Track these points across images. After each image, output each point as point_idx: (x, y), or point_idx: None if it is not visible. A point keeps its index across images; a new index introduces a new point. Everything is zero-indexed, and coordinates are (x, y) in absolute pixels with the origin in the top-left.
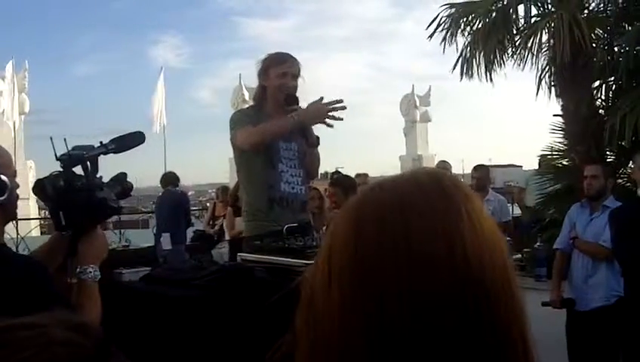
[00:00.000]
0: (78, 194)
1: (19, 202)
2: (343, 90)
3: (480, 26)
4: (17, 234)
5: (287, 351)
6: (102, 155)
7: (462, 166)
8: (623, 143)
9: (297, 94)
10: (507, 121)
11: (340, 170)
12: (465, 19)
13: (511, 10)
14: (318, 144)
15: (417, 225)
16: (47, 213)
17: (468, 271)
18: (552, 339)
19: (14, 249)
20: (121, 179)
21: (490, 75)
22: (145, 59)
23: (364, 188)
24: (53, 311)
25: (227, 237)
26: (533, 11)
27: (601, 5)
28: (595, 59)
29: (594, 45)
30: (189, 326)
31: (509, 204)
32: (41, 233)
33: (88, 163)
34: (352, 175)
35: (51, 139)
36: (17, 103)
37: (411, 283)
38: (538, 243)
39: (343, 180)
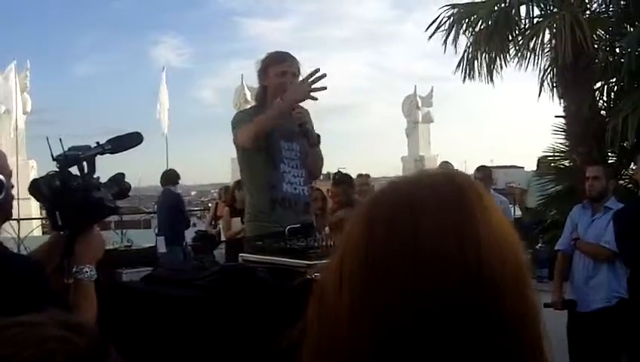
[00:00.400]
0: (74, 194)
1: (21, 202)
2: (344, 91)
3: (482, 26)
4: (19, 234)
5: (296, 340)
6: (99, 156)
7: (464, 167)
8: (625, 144)
9: None
10: (509, 122)
11: (341, 170)
12: (467, 19)
13: (513, 11)
14: (319, 143)
15: (427, 225)
16: None
17: (479, 272)
18: (553, 340)
19: (16, 249)
20: (118, 179)
21: (492, 75)
22: (146, 60)
23: (380, 187)
24: (50, 311)
25: (223, 237)
26: (536, 12)
27: (603, 6)
28: (597, 60)
29: (596, 46)
30: (191, 326)
31: (510, 205)
32: (43, 233)
33: (85, 163)
34: (354, 176)
35: (47, 139)
36: (21, 103)
37: (419, 283)
38: (540, 245)
39: (345, 178)
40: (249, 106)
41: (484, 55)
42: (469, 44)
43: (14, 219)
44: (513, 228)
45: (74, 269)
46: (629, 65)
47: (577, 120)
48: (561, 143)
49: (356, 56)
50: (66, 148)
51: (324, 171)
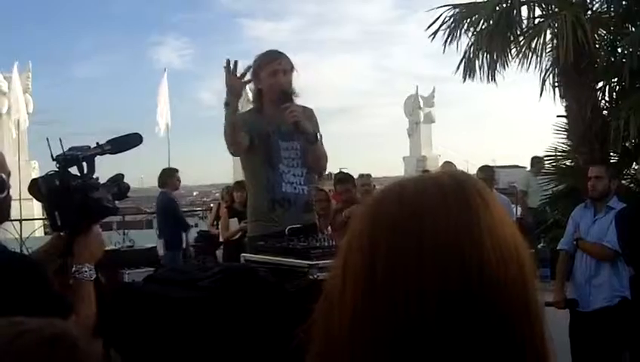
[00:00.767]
0: (73, 195)
1: (23, 202)
2: (346, 92)
3: (483, 26)
4: (21, 234)
5: (302, 341)
6: (98, 156)
7: (466, 167)
8: (627, 144)
9: (294, 87)
10: (511, 122)
11: (343, 170)
12: (468, 19)
13: (515, 11)
14: (316, 140)
15: (431, 225)
16: None
17: (482, 272)
18: (555, 339)
19: (18, 249)
20: (117, 180)
21: (494, 75)
22: (147, 61)
23: (383, 187)
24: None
25: (221, 238)
26: (537, 12)
27: (605, 6)
28: (598, 60)
29: (597, 46)
30: (193, 327)
31: (512, 206)
32: (45, 233)
33: (84, 163)
34: (355, 176)
35: (47, 139)
36: (23, 104)
37: (423, 283)
38: (542, 244)
39: (349, 177)
40: (248, 108)
41: (485, 55)
42: (470, 43)
43: (16, 220)
44: (516, 227)
45: (73, 269)
46: (631, 65)
47: (579, 120)
48: (562, 143)
49: (358, 57)
50: (66, 149)
51: (326, 171)
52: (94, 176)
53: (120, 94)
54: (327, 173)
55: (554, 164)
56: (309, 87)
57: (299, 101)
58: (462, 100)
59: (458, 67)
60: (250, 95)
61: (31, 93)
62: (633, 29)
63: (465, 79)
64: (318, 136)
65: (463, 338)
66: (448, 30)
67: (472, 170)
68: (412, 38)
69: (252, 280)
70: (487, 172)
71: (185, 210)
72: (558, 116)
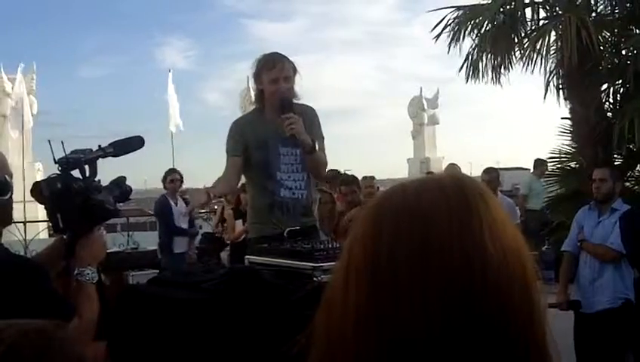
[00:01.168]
0: (75, 197)
1: (27, 205)
2: (349, 93)
3: (487, 28)
4: (25, 236)
5: (305, 346)
6: (100, 159)
7: (470, 168)
8: (631, 146)
9: (296, 91)
10: (515, 124)
11: (347, 172)
12: (472, 21)
13: (519, 13)
14: (314, 150)
15: (434, 227)
16: None
17: (485, 275)
18: (558, 341)
19: (23, 251)
20: (119, 182)
21: (498, 77)
22: (152, 62)
23: (389, 187)
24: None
25: (227, 240)
26: (541, 14)
27: (609, 8)
28: (602, 63)
29: (602, 48)
30: (197, 329)
31: (517, 208)
32: (49, 235)
33: (86, 166)
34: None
35: (50, 142)
36: (28, 106)
37: (425, 286)
38: (546, 246)
39: (354, 179)
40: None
41: (489, 57)
42: (474, 45)
43: (20, 222)
44: (519, 230)
45: (75, 271)
46: (635, 68)
47: (583, 122)
48: (567, 145)
49: (362, 58)
50: (68, 152)
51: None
52: (96, 179)
53: (124, 95)
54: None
55: (558, 166)
56: (313, 89)
57: (301, 101)
58: (466, 102)
59: (461, 68)
60: (253, 95)
61: (35, 95)
62: (637, 31)
63: (468, 81)
64: (317, 146)
65: (466, 340)
66: (452, 32)
67: (476, 172)
68: (416, 39)
69: (256, 282)
70: (492, 174)
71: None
72: (562, 118)
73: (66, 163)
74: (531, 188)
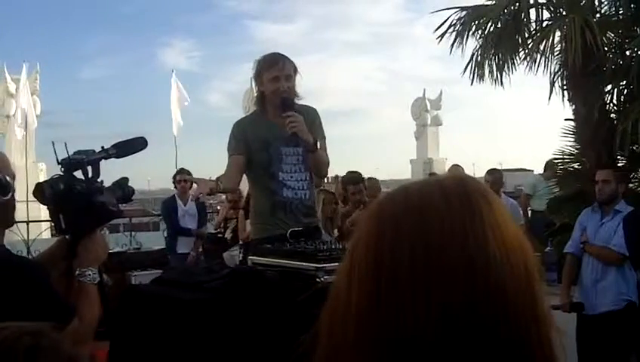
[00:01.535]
0: (77, 198)
1: (30, 204)
2: (353, 94)
3: (491, 29)
4: (28, 236)
5: (308, 348)
6: (103, 160)
7: (473, 170)
8: (635, 148)
9: (297, 90)
10: (518, 125)
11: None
12: (476, 22)
13: (523, 14)
14: (316, 149)
15: (436, 226)
16: None
17: (487, 275)
18: (561, 343)
19: (25, 251)
20: (122, 183)
21: (502, 78)
22: (155, 63)
23: (392, 189)
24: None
25: (241, 240)
26: (545, 15)
27: (613, 9)
28: (606, 64)
29: (606, 49)
30: (200, 329)
31: (520, 209)
32: (52, 235)
33: (89, 167)
34: None
35: (53, 143)
36: (32, 106)
37: (428, 286)
38: (549, 248)
39: (361, 177)
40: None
41: (493, 58)
42: (477, 46)
43: (23, 222)
44: (522, 231)
45: (77, 272)
46: (639, 69)
47: (587, 123)
48: (570, 146)
49: (365, 59)
50: (71, 153)
51: (333, 174)
52: (99, 180)
53: (127, 95)
54: (333, 175)
55: (561, 167)
56: (316, 89)
57: (302, 102)
58: (469, 103)
59: (465, 70)
60: (255, 97)
61: (39, 95)
62: None
63: (472, 82)
64: (318, 145)
65: (469, 340)
66: (456, 33)
67: (479, 173)
68: (419, 40)
69: (259, 282)
70: (495, 175)
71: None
72: (565, 119)
73: (69, 164)
74: (536, 190)
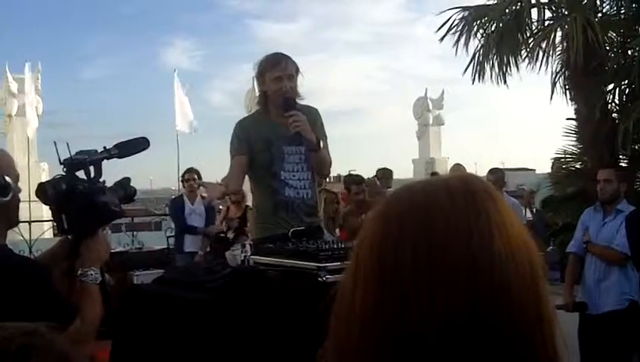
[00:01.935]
0: (79, 198)
1: (32, 204)
2: (354, 93)
3: (493, 29)
4: (30, 236)
5: (312, 346)
6: (105, 160)
7: (475, 169)
8: (637, 147)
9: (299, 91)
10: (520, 125)
11: (352, 172)
12: (478, 22)
13: (525, 14)
14: (319, 148)
15: (440, 224)
16: None
17: (492, 273)
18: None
19: (27, 250)
20: (124, 183)
21: (504, 78)
22: (157, 62)
23: (397, 188)
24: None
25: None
26: (547, 14)
27: (615, 9)
28: (608, 63)
29: (607, 48)
30: (202, 328)
31: (522, 208)
32: (54, 235)
33: (91, 167)
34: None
35: (55, 143)
36: (35, 105)
37: (432, 284)
38: (551, 247)
39: (363, 178)
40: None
41: (495, 57)
42: (479, 46)
43: (25, 221)
44: (526, 230)
45: (79, 272)
46: None
47: (589, 122)
48: (572, 146)
49: (367, 59)
50: (73, 153)
51: (335, 173)
52: (101, 180)
53: (129, 95)
54: (336, 174)
55: (563, 166)
56: (318, 89)
57: (304, 102)
58: (471, 103)
59: (467, 69)
60: (258, 96)
61: (41, 95)
62: None
63: (474, 81)
64: (321, 144)
65: (473, 339)
66: (458, 33)
67: (481, 172)
68: (421, 40)
69: (261, 282)
70: (497, 174)
71: None
72: (567, 119)
73: (71, 164)
74: (540, 189)
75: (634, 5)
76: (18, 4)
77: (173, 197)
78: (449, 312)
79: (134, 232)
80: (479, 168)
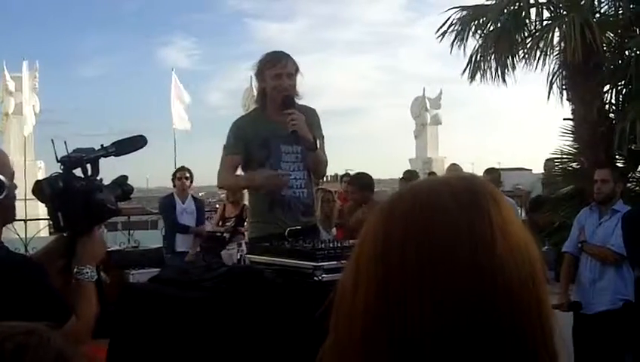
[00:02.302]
0: (76, 196)
1: (28, 202)
2: (352, 93)
3: (491, 29)
4: (25, 234)
5: (313, 344)
6: (102, 158)
7: (472, 169)
8: (633, 147)
9: (298, 90)
10: (517, 125)
11: (349, 171)
12: (476, 22)
13: (523, 14)
14: (316, 148)
15: (442, 223)
16: None
17: (493, 272)
18: (559, 342)
19: (23, 249)
20: (121, 182)
21: (502, 78)
22: (155, 61)
23: (400, 188)
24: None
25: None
26: (545, 14)
27: (613, 9)
28: (605, 63)
29: (605, 49)
30: (198, 327)
31: (518, 208)
32: (50, 233)
33: (88, 165)
34: None
35: (52, 141)
36: (31, 103)
37: (435, 284)
38: (546, 247)
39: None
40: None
41: (492, 57)
42: (477, 46)
43: (21, 220)
44: (527, 230)
45: (74, 270)
46: (638, 68)
47: (586, 123)
48: (569, 146)
49: (364, 58)
50: (70, 151)
51: (332, 173)
52: (98, 178)
53: (127, 94)
54: (332, 174)
55: (560, 166)
56: (316, 89)
57: (302, 101)
58: (469, 102)
59: (465, 69)
60: (256, 94)
61: (38, 93)
62: None
63: (472, 81)
64: (318, 144)
65: (475, 339)
66: (456, 32)
67: (478, 172)
68: (419, 39)
69: (256, 281)
70: (493, 174)
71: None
72: (564, 119)
73: (68, 162)
74: (535, 189)
75: (632, 6)
76: (16, 3)
77: (168, 195)
78: (452, 312)
79: (130, 231)
80: (476, 168)
